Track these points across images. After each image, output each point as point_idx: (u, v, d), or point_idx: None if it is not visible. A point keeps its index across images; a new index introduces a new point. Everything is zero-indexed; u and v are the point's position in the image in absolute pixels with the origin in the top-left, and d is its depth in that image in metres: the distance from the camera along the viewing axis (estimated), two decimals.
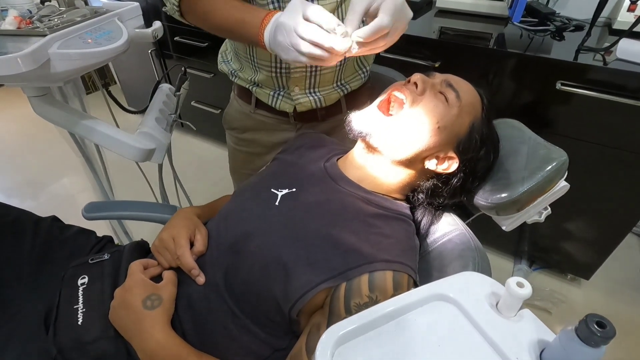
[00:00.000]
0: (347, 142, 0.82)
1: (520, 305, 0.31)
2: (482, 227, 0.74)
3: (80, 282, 0.63)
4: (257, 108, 0.87)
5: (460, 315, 0.32)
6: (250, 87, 0.83)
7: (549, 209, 0.67)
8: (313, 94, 0.80)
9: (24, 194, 1.99)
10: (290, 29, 0.53)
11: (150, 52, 2.01)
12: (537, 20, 1.29)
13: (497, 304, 0.33)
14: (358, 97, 0.87)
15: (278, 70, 0.77)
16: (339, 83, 0.82)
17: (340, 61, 0.77)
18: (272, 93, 0.81)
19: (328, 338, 0.28)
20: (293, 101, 0.80)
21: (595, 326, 0.25)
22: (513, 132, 0.69)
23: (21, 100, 0.77)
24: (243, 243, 0.59)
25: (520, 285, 0.30)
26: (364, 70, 0.85)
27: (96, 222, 0.84)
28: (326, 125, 0.87)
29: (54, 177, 2.07)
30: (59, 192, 1.98)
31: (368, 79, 0.89)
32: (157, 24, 0.94)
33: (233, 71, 0.85)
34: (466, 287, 0.34)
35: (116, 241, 0.89)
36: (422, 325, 0.31)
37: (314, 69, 0.76)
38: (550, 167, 0.60)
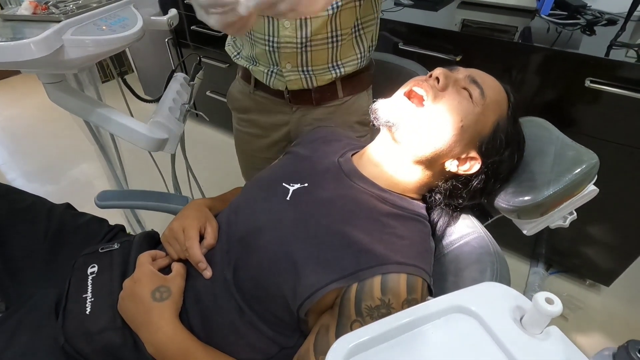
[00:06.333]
0: (345, 130, 0.81)
1: (548, 322, 0.29)
2: (497, 227, 0.71)
3: (89, 271, 0.63)
4: (256, 89, 0.86)
5: (480, 329, 0.30)
6: (249, 67, 0.83)
7: (575, 213, 0.64)
8: (305, 72, 0.78)
9: (44, 178, 2.03)
10: None
11: (167, 41, 2.00)
12: (566, 13, 1.23)
13: (521, 319, 0.31)
14: (356, 84, 0.84)
15: (270, 43, 0.75)
16: (334, 63, 0.78)
17: (336, 38, 0.74)
18: (266, 70, 0.80)
19: (339, 349, 0.27)
20: (285, 78, 0.79)
21: (638, 354, 0.22)
22: (539, 131, 0.66)
23: (41, 85, 0.77)
24: (253, 237, 0.58)
25: (549, 301, 0.28)
26: (361, 51, 0.80)
27: (110, 210, 0.85)
28: (322, 111, 0.85)
29: (74, 163, 2.10)
30: (78, 177, 2.02)
31: (368, 66, 0.85)
32: (172, 12, 0.93)
33: (237, 50, 0.85)
34: (488, 299, 0.32)
35: (128, 230, 0.89)
36: (440, 339, 0.29)
37: (304, 44, 0.73)
38: (579, 169, 0.57)
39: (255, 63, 0.82)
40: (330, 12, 0.70)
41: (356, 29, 0.77)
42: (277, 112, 0.87)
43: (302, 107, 0.84)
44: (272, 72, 0.80)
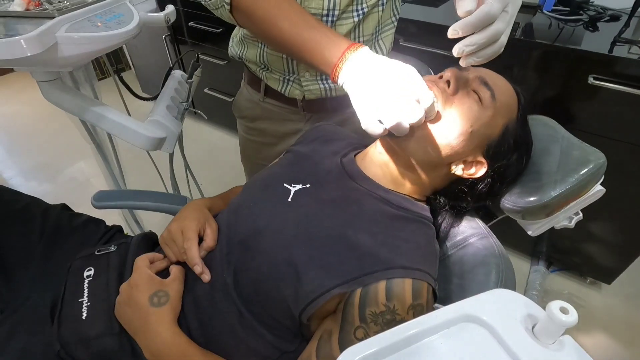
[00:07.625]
0: (360, 137, 0.78)
1: (563, 332, 0.28)
2: (497, 225, 0.70)
3: (86, 274, 0.62)
4: (266, 97, 0.83)
5: (491, 339, 0.29)
6: (260, 72, 0.79)
7: (580, 214, 0.63)
8: (324, 82, 0.76)
9: (42, 176, 2.01)
10: (392, 110, 0.46)
11: (165, 38, 1.98)
12: (568, 9, 1.21)
13: (533, 328, 0.30)
14: None
15: None
16: None
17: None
18: (281, 78, 0.77)
19: None
20: (303, 87, 0.76)
21: None
22: (544, 130, 0.64)
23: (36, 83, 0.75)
24: (253, 240, 0.56)
25: (564, 311, 0.26)
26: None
27: (107, 210, 0.83)
28: (337, 118, 0.82)
29: (71, 161, 2.08)
30: (75, 176, 2.00)
31: None
32: (169, 8, 0.91)
33: (240, 53, 0.81)
34: (498, 307, 0.30)
35: (126, 230, 0.88)
36: (449, 349, 0.28)
37: None
38: (585, 170, 0.55)
39: (267, 68, 0.78)
40: (357, 18, 0.68)
41: (376, 35, 0.75)
42: (289, 120, 0.84)
43: (316, 115, 0.82)
44: (288, 79, 0.76)
